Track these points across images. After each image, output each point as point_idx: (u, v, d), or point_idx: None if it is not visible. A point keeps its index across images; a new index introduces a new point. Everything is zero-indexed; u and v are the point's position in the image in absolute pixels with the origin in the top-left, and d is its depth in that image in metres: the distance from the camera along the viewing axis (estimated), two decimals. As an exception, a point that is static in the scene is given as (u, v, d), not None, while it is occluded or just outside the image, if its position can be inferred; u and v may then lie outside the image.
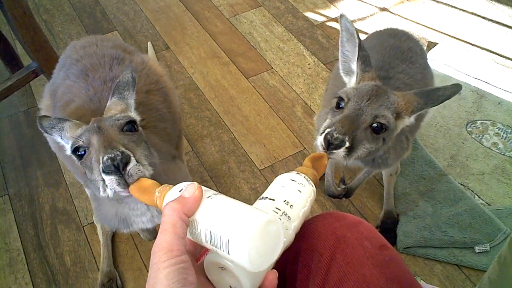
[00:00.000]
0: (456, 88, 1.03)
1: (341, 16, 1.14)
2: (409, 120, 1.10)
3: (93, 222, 1.74)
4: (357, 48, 1.12)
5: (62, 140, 1.03)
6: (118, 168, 0.84)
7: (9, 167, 1.94)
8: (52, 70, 1.46)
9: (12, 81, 1.79)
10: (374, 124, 1.03)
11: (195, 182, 0.65)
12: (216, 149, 1.97)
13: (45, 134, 1.06)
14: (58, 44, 2.46)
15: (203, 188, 0.66)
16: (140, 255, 1.65)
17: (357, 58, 1.13)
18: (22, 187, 1.87)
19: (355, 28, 1.11)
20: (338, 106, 1.09)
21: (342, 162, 1.02)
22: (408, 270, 0.78)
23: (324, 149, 0.97)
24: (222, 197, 0.65)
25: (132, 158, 0.87)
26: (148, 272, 1.61)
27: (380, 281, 0.72)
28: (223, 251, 0.59)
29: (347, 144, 0.97)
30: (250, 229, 0.56)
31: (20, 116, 2.14)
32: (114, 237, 1.70)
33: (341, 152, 0.97)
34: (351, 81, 1.19)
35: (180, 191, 0.67)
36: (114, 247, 1.68)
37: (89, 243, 1.70)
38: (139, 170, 0.86)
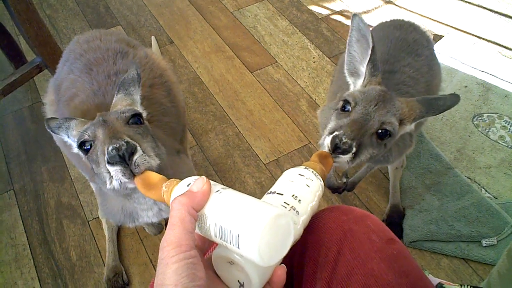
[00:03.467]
0: (456, 98, 1.03)
1: (354, 15, 1.09)
2: (409, 127, 1.08)
3: (98, 217, 1.74)
4: (369, 51, 1.08)
5: (69, 139, 1.03)
6: (123, 158, 0.83)
7: (14, 163, 1.94)
8: (56, 65, 1.45)
9: (16, 76, 1.79)
10: (380, 130, 1.01)
11: (203, 176, 0.64)
12: (221, 144, 1.96)
13: (53, 134, 1.06)
14: (62, 39, 2.46)
15: (211, 182, 0.65)
16: (145, 249, 1.65)
17: (368, 61, 1.09)
18: (27, 182, 1.87)
19: (369, 30, 1.07)
20: (343, 109, 1.07)
21: (345, 166, 1.01)
22: (416, 264, 0.78)
23: (329, 151, 0.94)
24: (231, 191, 0.64)
25: (138, 148, 0.86)
26: (153, 266, 1.61)
27: (388, 275, 0.71)
28: (233, 245, 0.58)
29: (354, 150, 0.95)
30: (260, 223, 0.56)
31: (24, 111, 2.14)
32: (119, 232, 1.70)
33: (347, 157, 0.95)
34: (356, 83, 1.15)
35: (188, 186, 0.66)
36: (120, 242, 1.68)
37: (94, 238, 1.70)
38: (145, 160, 0.85)
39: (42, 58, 1.83)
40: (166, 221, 1.63)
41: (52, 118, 1.05)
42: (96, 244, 1.68)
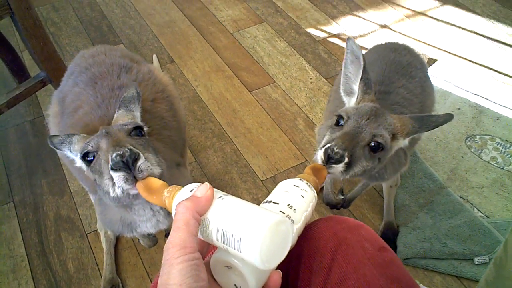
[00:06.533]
0: (448, 117, 1.06)
1: (348, 39, 1.15)
2: (403, 142, 1.11)
3: (96, 230, 1.76)
4: (361, 70, 1.14)
5: (72, 154, 1.06)
6: (127, 164, 0.86)
7: (15, 175, 1.97)
8: (59, 80, 1.49)
9: (21, 89, 1.83)
10: (372, 143, 1.04)
11: (206, 183, 0.67)
12: (219, 160, 2.00)
13: (56, 150, 1.10)
14: (65, 56, 2.51)
15: (214, 189, 0.68)
16: (142, 262, 1.67)
17: (360, 79, 1.15)
18: (27, 195, 1.89)
19: (361, 51, 1.13)
20: (337, 124, 1.11)
21: (339, 177, 1.04)
22: (407, 272, 0.80)
23: (323, 163, 0.98)
24: (233, 197, 0.67)
25: (141, 155, 0.89)
26: (150, 279, 1.62)
27: (380, 280, 0.74)
28: (234, 249, 0.60)
29: (346, 160, 0.99)
30: (262, 228, 0.58)
31: (26, 125, 2.17)
32: (117, 245, 1.71)
33: (340, 167, 0.99)
34: (350, 101, 1.21)
35: (190, 191, 0.69)
36: (117, 255, 1.69)
37: (92, 251, 1.71)
38: (148, 167, 0.88)
39: (47, 73, 1.87)
40: (166, 232, 1.65)
41: (54, 135, 1.08)
42: (94, 256, 1.70)
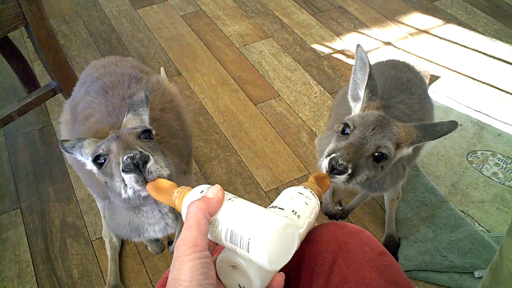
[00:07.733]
0: (453, 125, 1.08)
1: (358, 46, 1.18)
2: (407, 151, 1.13)
3: (101, 237, 1.78)
4: (367, 77, 1.16)
5: (82, 157, 1.09)
6: (137, 166, 0.90)
7: (22, 182, 2.00)
8: (70, 89, 1.54)
9: (32, 98, 1.87)
10: (376, 153, 1.07)
11: (217, 185, 0.69)
12: (223, 171, 2.03)
13: (67, 154, 1.13)
14: (74, 68, 2.55)
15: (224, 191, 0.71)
16: (146, 270, 1.69)
17: (366, 86, 1.17)
18: (34, 201, 1.93)
19: (368, 59, 1.15)
20: (343, 132, 1.13)
21: (341, 186, 1.07)
22: (405, 276, 0.83)
23: (327, 172, 1.01)
24: (242, 200, 0.69)
25: (151, 157, 0.93)
26: (153, 287, 1.63)
27: (379, 283, 0.76)
28: (243, 249, 0.63)
29: (350, 171, 1.01)
30: (271, 230, 0.61)
31: (35, 133, 2.21)
32: (121, 252, 1.74)
33: (342, 177, 1.02)
34: (356, 107, 1.23)
35: (201, 192, 0.72)
36: (121, 262, 1.72)
37: (97, 258, 1.74)
38: (157, 168, 0.92)
39: (57, 82, 1.92)
40: (168, 240, 1.68)
41: (65, 140, 1.12)
42: (98, 263, 1.72)
